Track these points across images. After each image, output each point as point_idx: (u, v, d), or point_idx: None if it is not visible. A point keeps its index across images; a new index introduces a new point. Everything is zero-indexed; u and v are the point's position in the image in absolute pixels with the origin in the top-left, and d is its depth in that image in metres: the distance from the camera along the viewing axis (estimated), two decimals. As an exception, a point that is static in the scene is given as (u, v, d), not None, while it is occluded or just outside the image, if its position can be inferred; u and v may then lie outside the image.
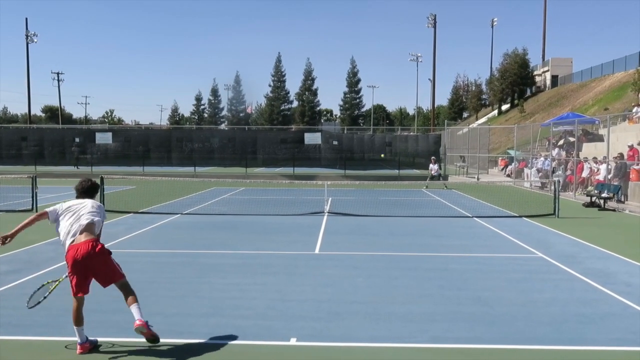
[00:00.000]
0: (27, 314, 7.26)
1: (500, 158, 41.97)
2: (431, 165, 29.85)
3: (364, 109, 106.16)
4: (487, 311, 7.55)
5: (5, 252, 11.15)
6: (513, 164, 34.90)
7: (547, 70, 77.66)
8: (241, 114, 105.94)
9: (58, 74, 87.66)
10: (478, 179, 34.79)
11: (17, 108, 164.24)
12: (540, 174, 28.87)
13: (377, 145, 44.29)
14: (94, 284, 6.36)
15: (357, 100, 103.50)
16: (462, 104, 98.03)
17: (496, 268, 10.27)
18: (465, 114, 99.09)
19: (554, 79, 75.31)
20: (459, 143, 46.57)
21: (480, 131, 41.84)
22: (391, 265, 10.42)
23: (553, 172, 27.10)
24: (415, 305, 7.79)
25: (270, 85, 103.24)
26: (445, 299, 8.15)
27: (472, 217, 17.40)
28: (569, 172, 26.38)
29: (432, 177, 29.09)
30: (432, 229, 15.05)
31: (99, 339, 6.30)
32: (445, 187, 28.42)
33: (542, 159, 29.71)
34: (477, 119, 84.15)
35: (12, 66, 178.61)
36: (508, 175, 35.64)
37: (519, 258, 11.25)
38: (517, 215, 17.81)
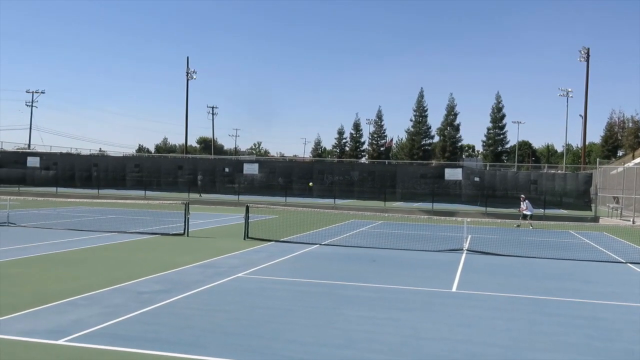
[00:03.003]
0: (174, 331, 7.76)
1: (660, 201, 38.61)
2: (522, 204, 27.96)
3: (508, 145, 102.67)
4: (642, 367, 6.93)
5: (157, 273, 12.02)
6: (675, 207, 31.96)
7: None
8: (382, 148, 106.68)
9: (213, 108, 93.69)
10: (634, 222, 32.22)
11: (176, 139, 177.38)
12: None
13: (521, 183, 42.52)
14: (234, 307, 6.63)
15: (501, 136, 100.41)
16: (617, 142, 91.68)
17: (653, 320, 9.40)
18: (620, 153, 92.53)
19: None
20: (612, 183, 43.52)
21: (637, 171, 38.84)
22: (533, 309, 9.90)
23: None
24: (559, 354, 7.33)
25: (411, 120, 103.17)
26: (594, 349, 7.60)
27: (626, 262, 16.10)
28: None
29: (525, 217, 27.41)
30: (579, 273, 14.12)
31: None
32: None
33: None
34: (633, 157, 78.17)
35: (173, 100, 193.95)
36: (669, 220, 32.65)
37: (680, 311, 10.22)
38: (679, 263, 16.23)
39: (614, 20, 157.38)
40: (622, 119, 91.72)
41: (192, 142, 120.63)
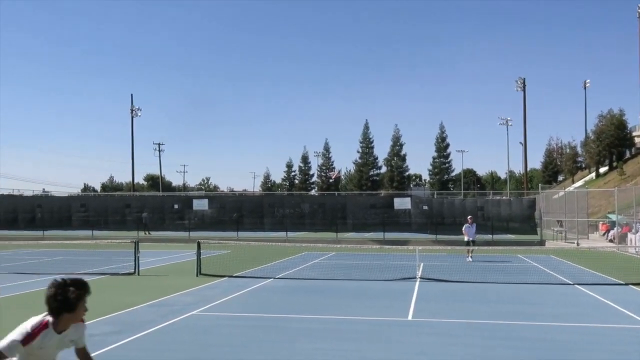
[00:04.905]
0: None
1: (600, 222, 39.96)
2: (467, 227, 24.14)
3: (453, 174, 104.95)
4: (595, 385, 7.09)
5: (108, 314, 11.66)
6: (615, 228, 33.14)
7: (647, 131, 74.31)
8: (330, 180, 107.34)
9: (159, 144, 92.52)
10: (578, 244, 33.22)
11: (122, 177, 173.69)
12: (646, 239, 27.22)
13: (468, 210, 43.48)
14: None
15: (447, 164, 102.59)
16: (557, 167, 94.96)
17: (603, 339, 9.66)
18: (560, 177, 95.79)
19: (655, 140, 71.87)
20: (554, 207, 44.87)
21: (577, 195, 40.23)
22: (488, 334, 10.04)
23: (661, 237, 25.47)
24: (515, 377, 7.43)
25: (358, 152, 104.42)
26: (548, 370, 7.74)
27: (573, 284, 16.55)
28: (678, 237, 24.72)
29: (469, 243, 24.04)
30: (530, 296, 14.42)
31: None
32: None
33: (647, 223, 28.07)
34: (573, 182, 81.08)
35: (118, 138, 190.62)
36: (610, 241, 33.82)
37: (628, 329, 10.54)
38: (622, 282, 16.78)
39: (547, 50, 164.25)
40: (559, 145, 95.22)
41: (140, 179, 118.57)
